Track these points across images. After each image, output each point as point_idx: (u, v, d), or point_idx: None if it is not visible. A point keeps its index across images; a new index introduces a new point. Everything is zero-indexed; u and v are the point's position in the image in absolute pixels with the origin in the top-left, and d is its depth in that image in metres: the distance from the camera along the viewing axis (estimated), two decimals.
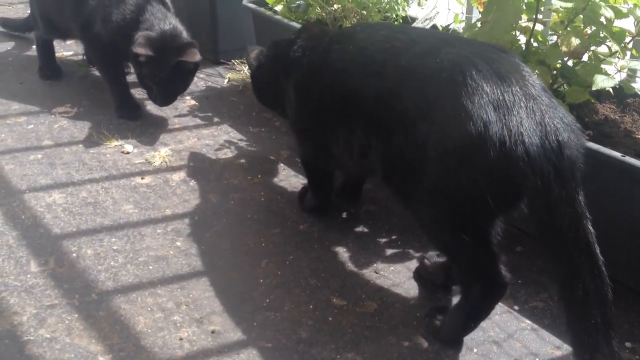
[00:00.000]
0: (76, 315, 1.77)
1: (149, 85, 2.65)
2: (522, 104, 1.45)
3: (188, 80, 2.72)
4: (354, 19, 2.66)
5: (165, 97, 2.68)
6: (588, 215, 1.44)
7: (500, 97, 1.45)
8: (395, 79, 1.63)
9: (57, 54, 3.21)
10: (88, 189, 2.31)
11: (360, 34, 1.83)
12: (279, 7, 2.87)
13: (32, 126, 2.70)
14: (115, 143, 2.60)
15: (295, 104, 2.00)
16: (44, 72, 3.12)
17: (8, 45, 3.47)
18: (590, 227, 1.44)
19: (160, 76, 2.58)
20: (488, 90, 1.46)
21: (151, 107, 2.88)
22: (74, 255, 1.99)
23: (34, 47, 3.28)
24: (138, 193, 2.31)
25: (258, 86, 2.29)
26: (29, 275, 1.91)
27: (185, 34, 2.65)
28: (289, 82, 2.01)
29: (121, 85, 2.84)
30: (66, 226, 2.12)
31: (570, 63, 2.06)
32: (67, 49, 3.40)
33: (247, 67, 2.53)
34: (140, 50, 2.49)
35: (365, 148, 1.74)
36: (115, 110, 2.80)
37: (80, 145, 2.58)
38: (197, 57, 2.59)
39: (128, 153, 2.55)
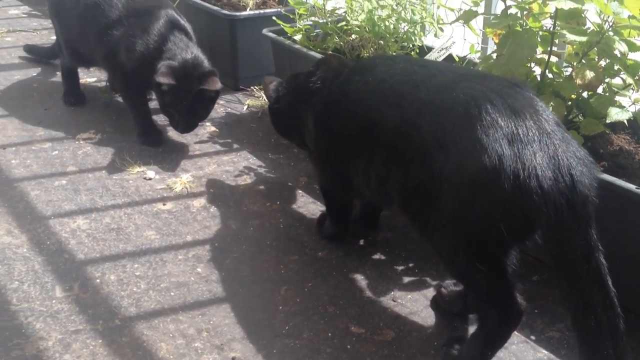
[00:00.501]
0: (100, 341, 1.82)
1: (171, 113, 2.71)
2: (535, 138, 1.48)
3: (209, 108, 2.77)
4: (372, 49, 2.71)
5: (187, 124, 2.74)
6: (600, 248, 1.48)
7: (515, 131, 1.49)
8: (414, 111, 1.67)
9: (80, 81, 3.29)
10: (111, 215, 2.37)
11: (380, 67, 1.87)
12: (297, 36, 2.93)
13: (56, 152, 2.77)
14: (137, 169, 2.66)
15: (314, 134, 2.04)
16: (68, 98, 3.19)
17: (33, 72, 3.56)
18: (602, 259, 1.48)
19: (182, 104, 2.64)
20: (503, 124, 1.50)
21: (172, 133, 2.94)
22: (98, 281, 2.04)
23: (58, 73, 3.36)
24: (160, 219, 2.36)
25: (277, 118, 2.33)
26: (54, 301, 1.95)
27: (206, 63, 2.72)
28: (308, 112, 2.06)
29: (144, 112, 2.91)
30: (90, 252, 2.17)
31: (585, 94, 2.09)
32: (91, 76, 3.47)
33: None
34: (162, 79, 2.56)
35: (382, 177, 1.78)
36: (138, 137, 2.87)
37: (104, 172, 2.64)
38: (218, 85, 2.65)
39: (150, 179, 2.60)
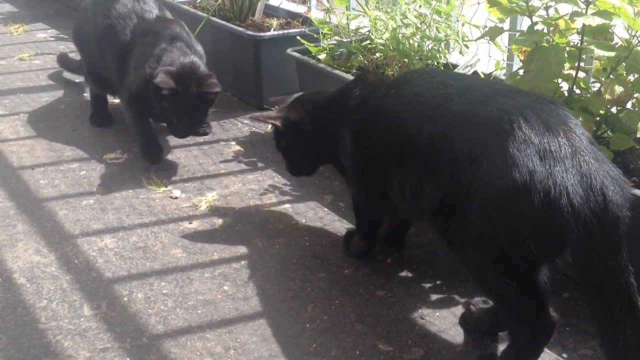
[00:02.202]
0: (128, 359, 1.82)
1: (169, 118, 2.70)
2: (568, 155, 1.47)
3: (207, 111, 2.75)
4: (396, 67, 2.71)
5: (187, 128, 2.73)
6: (630, 268, 1.46)
7: (547, 148, 1.47)
8: (447, 124, 1.66)
9: (108, 102, 3.33)
10: (138, 234, 2.38)
11: (416, 80, 1.86)
12: (322, 56, 2.95)
13: (84, 172, 2.80)
14: (163, 188, 2.67)
15: (351, 150, 2.02)
16: (95, 119, 3.23)
17: (61, 94, 3.61)
18: (632, 280, 1.46)
19: (181, 108, 2.65)
20: (535, 140, 1.48)
21: (197, 152, 2.97)
22: (125, 299, 2.05)
23: (85, 95, 3.41)
24: (186, 237, 2.37)
25: (298, 140, 2.25)
26: (82, 319, 1.96)
27: (203, 67, 2.73)
28: (345, 129, 2.03)
29: (147, 130, 2.89)
30: (117, 270, 2.18)
31: (613, 110, 2.08)
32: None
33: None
34: (162, 84, 2.55)
35: (416, 191, 1.76)
36: (140, 151, 2.87)
37: (130, 191, 2.66)
38: (217, 87, 2.66)
39: (176, 198, 2.62)
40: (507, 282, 1.59)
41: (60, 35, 4.63)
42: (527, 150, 1.47)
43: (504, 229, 1.53)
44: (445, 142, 1.64)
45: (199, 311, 2.00)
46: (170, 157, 2.91)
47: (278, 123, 2.22)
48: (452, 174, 1.61)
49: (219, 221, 2.47)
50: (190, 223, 2.46)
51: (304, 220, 2.47)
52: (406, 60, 2.70)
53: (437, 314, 1.99)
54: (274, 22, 3.55)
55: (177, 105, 2.64)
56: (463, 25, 2.73)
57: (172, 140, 3.09)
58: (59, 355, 1.82)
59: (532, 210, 1.46)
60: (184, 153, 2.99)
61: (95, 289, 2.09)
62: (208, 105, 2.73)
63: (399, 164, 1.81)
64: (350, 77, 2.66)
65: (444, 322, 1.95)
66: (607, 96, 1.94)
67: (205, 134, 2.80)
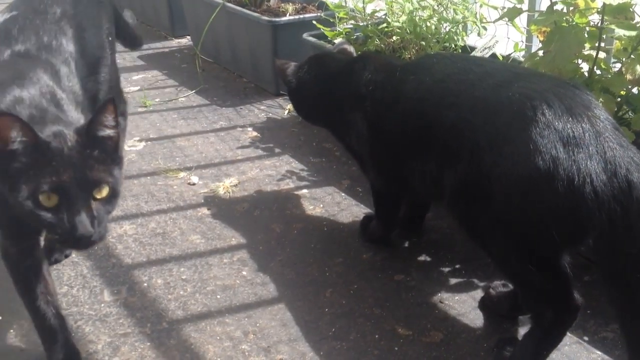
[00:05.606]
0: (148, 344, 1.83)
1: None
2: (592, 142, 1.44)
3: None
4: (413, 50, 2.69)
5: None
6: None
7: (570, 134, 1.44)
8: (468, 110, 1.63)
9: (124, 90, 3.33)
10: (157, 220, 2.39)
11: (437, 66, 1.82)
12: (338, 40, 2.92)
13: None
14: (181, 175, 2.68)
15: (367, 136, 2.00)
16: None
17: None
18: None
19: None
20: (558, 126, 1.45)
21: (214, 138, 2.97)
22: (145, 284, 2.06)
23: None
24: (204, 223, 2.37)
25: (302, 103, 2.34)
26: (102, 305, 1.98)
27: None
28: (358, 115, 2.01)
29: None
30: (137, 256, 2.19)
31: (635, 90, 2.04)
32: (134, 84, 3.52)
33: None
34: None
35: (437, 176, 1.74)
36: None
37: (149, 178, 2.67)
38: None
39: (194, 184, 2.62)
40: (529, 268, 1.57)
41: None
42: (550, 137, 1.44)
43: (525, 216, 1.50)
44: (467, 129, 1.61)
45: (218, 296, 2.01)
46: (187, 143, 2.91)
47: (286, 75, 2.34)
48: (473, 160, 1.59)
49: (236, 207, 2.47)
50: (208, 209, 2.46)
51: (321, 205, 2.47)
52: (423, 43, 2.68)
53: (456, 297, 1.98)
54: (290, 7, 3.53)
55: None
56: (481, 6, 2.70)
57: (189, 127, 3.10)
58: (80, 341, 1.84)
59: (554, 198, 1.43)
60: (201, 140, 2.99)
61: (115, 275, 2.11)
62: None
63: (419, 150, 1.79)
64: None
65: (463, 306, 1.94)
66: (629, 76, 1.90)
67: None
